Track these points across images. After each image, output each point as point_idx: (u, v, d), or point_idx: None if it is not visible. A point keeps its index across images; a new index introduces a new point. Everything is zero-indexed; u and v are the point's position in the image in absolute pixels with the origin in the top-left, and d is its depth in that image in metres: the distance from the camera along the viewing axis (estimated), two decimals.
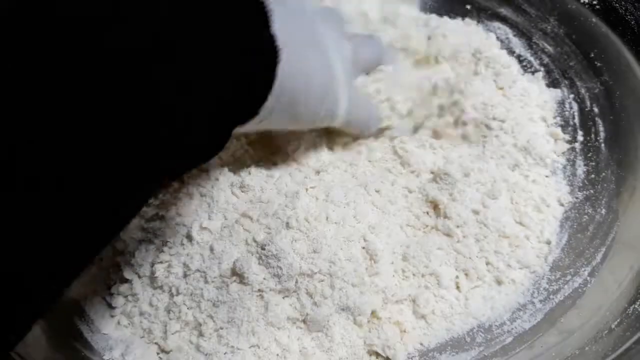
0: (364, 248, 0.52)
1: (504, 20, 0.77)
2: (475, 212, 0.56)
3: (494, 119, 0.63)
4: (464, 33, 0.73)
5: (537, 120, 0.66)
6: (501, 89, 0.67)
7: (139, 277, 0.54)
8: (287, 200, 0.52)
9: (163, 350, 0.51)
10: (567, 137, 0.65)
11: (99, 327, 0.53)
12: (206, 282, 0.51)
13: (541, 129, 0.65)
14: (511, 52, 0.73)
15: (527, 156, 0.61)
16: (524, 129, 0.63)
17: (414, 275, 0.53)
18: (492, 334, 0.52)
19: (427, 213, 0.57)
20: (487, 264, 0.55)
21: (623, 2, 0.68)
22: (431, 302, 0.53)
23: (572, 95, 0.68)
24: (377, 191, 0.57)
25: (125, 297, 0.54)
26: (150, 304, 0.52)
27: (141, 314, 0.53)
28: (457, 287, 0.54)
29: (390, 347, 0.50)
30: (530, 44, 0.74)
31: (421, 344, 0.52)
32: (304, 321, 0.51)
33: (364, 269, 0.51)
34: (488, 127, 0.63)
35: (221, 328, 0.50)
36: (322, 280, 0.50)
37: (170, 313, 0.52)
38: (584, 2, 0.71)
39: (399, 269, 0.53)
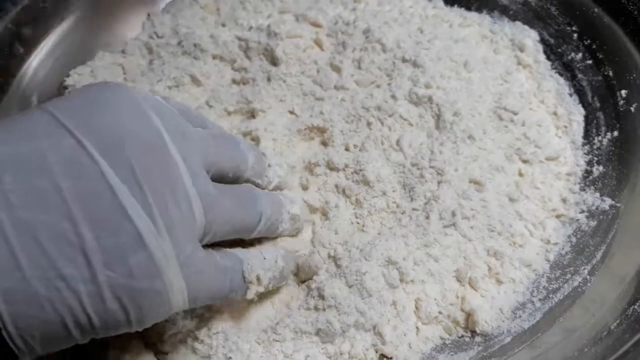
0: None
1: (504, 10, 0.76)
2: (476, 211, 0.56)
3: (505, 109, 0.63)
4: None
5: (537, 114, 0.66)
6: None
7: None
8: None
9: (160, 352, 0.51)
10: (568, 131, 0.65)
11: None
12: None
13: (542, 123, 0.64)
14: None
15: (529, 151, 0.61)
16: (526, 123, 0.63)
17: (413, 280, 0.53)
18: (490, 334, 0.52)
19: (428, 213, 0.56)
20: (488, 262, 0.55)
21: None
22: (432, 303, 0.53)
23: (573, 88, 0.68)
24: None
25: None
26: None
27: None
28: (458, 287, 0.54)
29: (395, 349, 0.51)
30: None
31: (423, 344, 0.52)
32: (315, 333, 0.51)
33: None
34: (500, 118, 0.63)
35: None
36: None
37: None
38: None
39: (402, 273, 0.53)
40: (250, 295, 0.48)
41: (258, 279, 0.48)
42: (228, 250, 0.47)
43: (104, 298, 0.36)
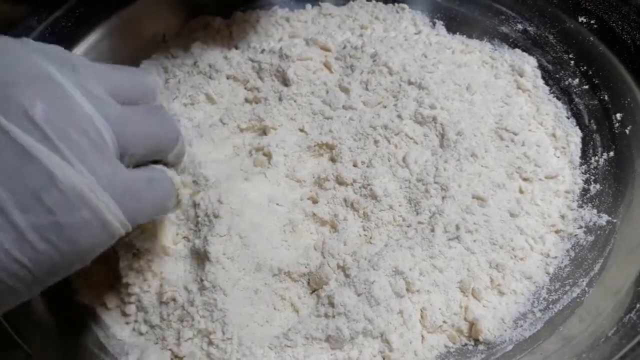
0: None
1: (505, 38, 0.80)
2: (479, 225, 0.58)
3: (506, 130, 0.65)
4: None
5: (537, 135, 0.68)
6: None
7: (144, 291, 0.56)
8: None
9: (177, 356, 0.53)
10: (567, 152, 0.67)
11: (115, 333, 0.55)
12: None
13: (541, 143, 0.67)
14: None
15: (529, 170, 0.63)
16: (526, 143, 0.65)
17: (419, 290, 0.55)
18: (493, 342, 0.54)
19: (433, 227, 0.58)
20: (490, 274, 0.57)
21: (620, 22, 0.70)
22: (437, 312, 0.55)
23: (570, 111, 0.71)
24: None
25: (137, 306, 0.56)
26: (161, 317, 0.55)
27: (152, 326, 0.55)
28: (461, 297, 0.56)
29: (401, 356, 0.52)
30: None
31: (428, 352, 0.54)
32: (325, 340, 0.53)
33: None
34: (501, 138, 0.65)
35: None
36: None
37: (183, 322, 0.54)
38: (582, 21, 0.73)
39: (408, 283, 0.55)
40: (184, 197, 0.50)
41: (182, 182, 0.50)
42: (150, 164, 0.47)
43: (30, 241, 0.35)
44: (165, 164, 0.51)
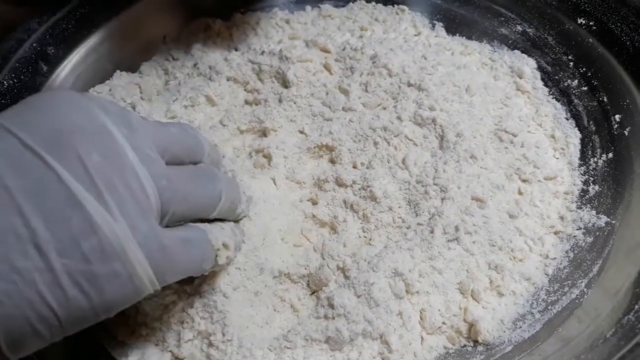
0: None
1: (504, 40, 0.80)
2: (478, 226, 0.58)
3: (505, 131, 0.66)
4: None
5: (536, 136, 0.69)
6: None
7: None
8: None
9: (177, 358, 0.53)
10: (565, 153, 0.67)
11: (115, 334, 0.55)
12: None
13: (541, 144, 0.67)
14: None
15: (528, 171, 0.64)
16: (525, 144, 0.66)
17: (418, 291, 0.55)
18: (492, 343, 0.54)
19: (433, 228, 0.58)
20: (489, 276, 0.57)
21: (619, 24, 0.70)
22: (436, 314, 0.55)
23: (569, 112, 0.71)
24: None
25: (137, 307, 0.56)
26: (161, 319, 0.55)
27: (152, 327, 0.55)
28: (461, 299, 0.56)
29: (401, 358, 0.53)
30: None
31: (427, 353, 0.54)
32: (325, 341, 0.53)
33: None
34: (500, 139, 0.66)
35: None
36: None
37: (183, 323, 0.54)
38: (581, 23, 0.74)
39: (408, 284, 0.55)
40: (222, 260, 0.48)
41: (225, 244, 0.48)
42: (190, 224, 0.47)
43: (63, 285, 0.36)
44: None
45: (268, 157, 0.65)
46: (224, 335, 0.52)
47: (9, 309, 0.34)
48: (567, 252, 0.60)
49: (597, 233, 0.60)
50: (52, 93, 0.43)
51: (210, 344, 0.52)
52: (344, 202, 0.61)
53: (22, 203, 0.35)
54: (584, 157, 0.67)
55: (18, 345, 0.36)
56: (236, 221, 0.56)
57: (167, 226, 0.43)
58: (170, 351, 0.53)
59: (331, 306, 0.53)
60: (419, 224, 0.59)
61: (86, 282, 0.37)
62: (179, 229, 0.45)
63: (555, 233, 0.61)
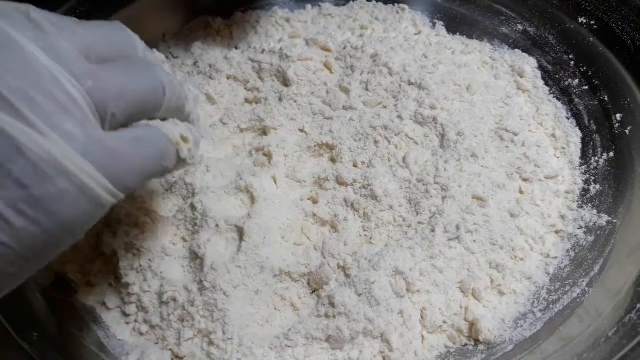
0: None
1: (505, 39, 0.80)
2: (479, 225, 0.58)
3: (506, 130, 0.66)
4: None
5: (537, 135, 0.69)
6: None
7: (144, 291, 0.56)
8: None
9: (177, 356, 0.53)
10: (566, 152, 0.67)
11: (115, 333, 0.55)
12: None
13: (541, 144, 0.67)
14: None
15: (529, 170, 0.64)
16: (526, 143, 0.66)
17: (419, 290, 0.55)
18: (493, 342, 0.54)
19: (434, 227, 0.58)
20: (490, 275, 0.57)
21: (620, 23, 0.70)
22: (437, 313, 0.55)
23: (570, 112, 0.71)
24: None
25: (137, 306, 0.56)
26: (161, 317, 0.55)
27: (152, 326, 0.55)
28: (462, 298, 0.56)
29: (402, 356, 0.53)
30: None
31: (428, 352, 0.54)
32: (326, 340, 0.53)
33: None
34: (501, 138, 0.66)
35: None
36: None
37: (183, 322, 0.54)
38: (582, 22, 0.74)
39: (409, 283, 0.55)
40: (184, 153, 0.44)
41: (183, 137, 0.44)
42: (141, 122, 0.42)
43: (5, 218, 0.33)
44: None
45: (268, 156, 0.65)
46: (224, 333, 0.52)
47: None
48: (568, 251, 0.60)
49: (599, 232, 0.60)
50: None
51: (210, 343, 0.52)
52: (345, 200, 0.61)
53: None
54: (584, 156, 0.67)
55: None
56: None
57: (111, 129, 0.39)
58: (171, 350, 0.53)
59: (332, 305, 0.53)
60: (419, 222, 0.59)
61: (30, 209, 0.33)
62: (126, 129, 0.40)
63: (557, 232, 0.61)
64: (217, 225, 0.57)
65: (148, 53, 0.45)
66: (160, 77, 0.42)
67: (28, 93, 0.33)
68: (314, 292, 0.57)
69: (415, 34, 0.82)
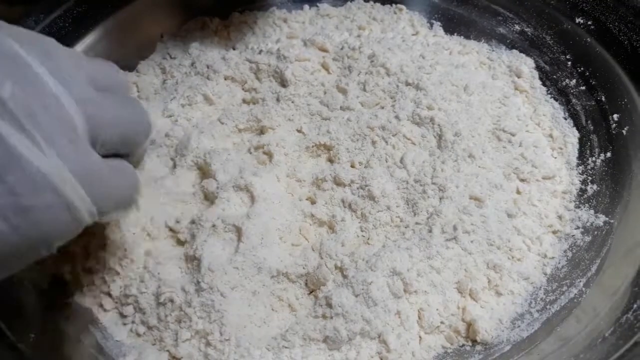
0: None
1: (502, 39, 0.80)
2: (476, 225, 0.58)
3: (504, 131, 0.66)
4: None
5: (534, 136, 0.69)
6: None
7: (141, 292, 0.56)
8: None
9: (174, 357, 0.53)
10: (564, 152, 0.67)
11: (112, 334, 0.55)
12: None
13: (539, 144, 0.67)
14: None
15: (526, 170, 0.64)
16: (523, 144, 0.66)
17: (417, 290, 0.55)
18: (490, 343, 0.54)
19: (431, 227, 0.58)
20: (487, 275, 0.57)
21: (617, 23, 0.70)
22: (434, 313, 0.55)
23: (568, 112, 0.71)
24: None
25: (135, 307, 0.56)
26: (159, 318, 0.55)
27: (150, 327, 0.55)
28: (459, 298, 0.56)
29: (399, 357, 0.52)
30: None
31: (425, 353, 0.54)
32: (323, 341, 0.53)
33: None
34: (498, 138, 0.66)
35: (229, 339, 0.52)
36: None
37: (180, 323, 0.54)
38: (579, 22, 0.74)
39: (406, 283, 0.55)
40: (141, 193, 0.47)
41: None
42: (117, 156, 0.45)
43: None
44: None
45: (269, 154, 0.65)
46: (221, 334, 0.52)
47: None
48: (565, 251, 0.60)
49: (596, 232, 0.60)
50: None
51: (208, 344, 0.52)
52: (342, 201, 0.61)
53: None
54: (582, 157, 0.67)
55: None
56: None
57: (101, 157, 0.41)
58: (168, 351, 0.53)
59: (329, 305, 0.53)
60: (417, 223, 0.59)
61: (15, 216, 0.35)
62: (112, 159, 0.43)
63: (554, 232, 0.61)
64: (213, 226, 0.57)
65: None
66: (149, 118, 0.47)
67: (34, 111, 0.36)
68: (311, 292, 0.57)
69: (413, 35, 0.82)
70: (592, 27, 0.73)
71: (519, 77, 0.75)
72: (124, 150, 0.45)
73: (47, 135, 0.36)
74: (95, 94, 0.41)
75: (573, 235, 0.60)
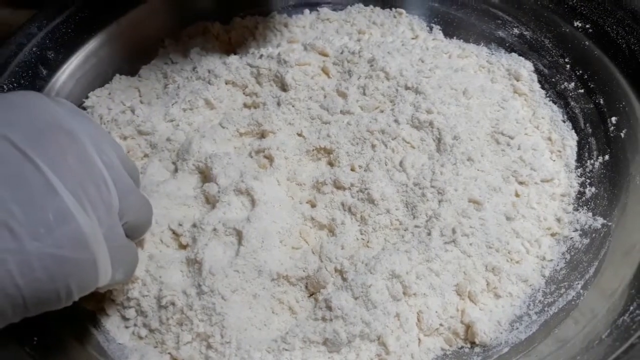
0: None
1: (501, 42, 0.80)
2: (475, 228, 0.58)
3: (502, 134, 0.66)
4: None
5: (533, 139, 0.69)
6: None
7: (143, 295, 0.56)
8: None
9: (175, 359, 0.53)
10: (562, 155, 0.68)
11: (115, 337, 0.56)
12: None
13: (537, 147, 0.67)
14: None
15: (525, 173, 0.64)
16: (522, 147, 0.66)
17: (416, 293, 0.55)
18: (489, 345, 0.54)
19: (430, 230, 0.59)
20: (486, 277, 0.57)
21: (615, 27, 0.71)
22: (433, 315, 0.55)
23: (566, 115, 0.71)
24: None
25: (137, 310, 0.57)
26: (160, 321, 0.55)
27: (151, 330, 0.55)
28: (458, 300, 0.56)
29: (398, 359, 0.53)
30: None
31: (425, 355, 0.54)
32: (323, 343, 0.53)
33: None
34: (497, 142, 0.66)
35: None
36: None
37: (182, 325, 0.54)
38: (578, 26, 0.74)
39: (405, 286, 0.55)
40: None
41: None
42: None
43: (33, 267, 0.37)
44: None
45: (269, 158, 0.65)
46: (222, 337, 0.53)
47: None
48: (563, 253, 0.60)
49: (594, 235, 0.60)
50: (23, 94, 0.45)
51: (209, 346, 0.53)
52: (342, 204, 0.62)
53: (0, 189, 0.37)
54: (580, 159, 0.67)
55: None
56: None
57: None
58: (169, 353, 0.54)
59: (329, 308, 0.53)
60: (416, 226, 0.60)
61: (55, 266, 0.39)
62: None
63: (552, 235, 0.62)
64: (214, 229, 0.58)
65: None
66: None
67: (84, 180, 0.42)
68: (311, 295, 0.57)
69: (412, 38, 0.82)
70: (591, 30, 0.73)
71: (517, 80, 0.75)
72: (132, 234, 0.51)
73: (92, 203, 0.42)
74: (132, 183, 0.49)
75: (571, 238, 0.61)
